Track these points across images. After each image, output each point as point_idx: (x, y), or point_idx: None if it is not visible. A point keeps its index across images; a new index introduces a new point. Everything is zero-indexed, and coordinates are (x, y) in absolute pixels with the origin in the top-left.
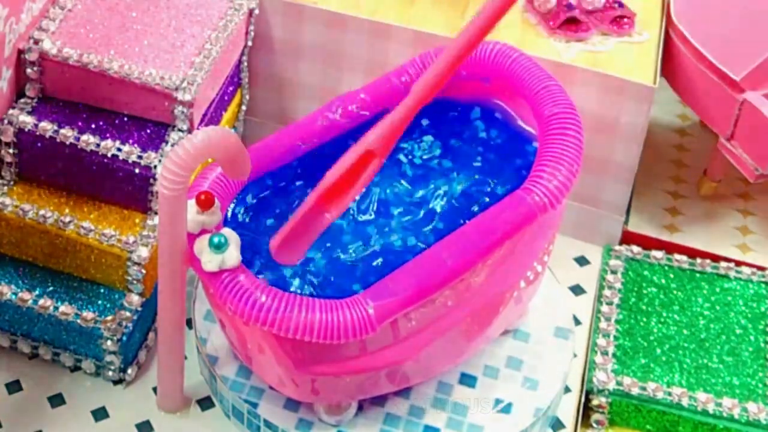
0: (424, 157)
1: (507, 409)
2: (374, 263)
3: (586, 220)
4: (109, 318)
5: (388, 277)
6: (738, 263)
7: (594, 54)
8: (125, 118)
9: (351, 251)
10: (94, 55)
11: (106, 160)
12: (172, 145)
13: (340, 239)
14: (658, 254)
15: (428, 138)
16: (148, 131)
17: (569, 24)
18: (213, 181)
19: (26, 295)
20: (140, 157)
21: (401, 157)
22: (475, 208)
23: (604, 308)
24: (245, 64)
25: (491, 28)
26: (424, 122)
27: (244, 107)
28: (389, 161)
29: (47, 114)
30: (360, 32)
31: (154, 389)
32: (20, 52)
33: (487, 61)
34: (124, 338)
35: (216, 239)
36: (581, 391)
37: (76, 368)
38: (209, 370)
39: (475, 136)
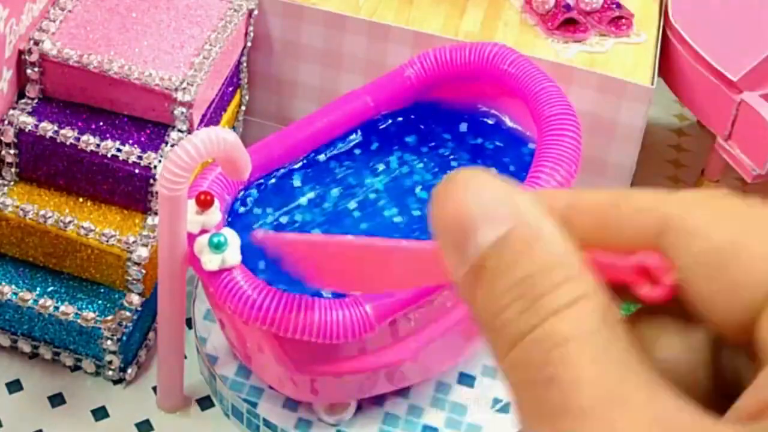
0: (418, 163)
1: (505, 408)
2: None
3: None
4: (110, 318)
5: None
6: None
7: (592, 55)
8: (125, 119)
9: None
10: (94, 55)
11: (106, 161)
12: (172, 146)
13: None
14: None
15: (424, 146)
16: (148, 132)
17: (567, 25)
18: (213, 180)
19: (27, 295)
20: (140, 157)
21: (404, 168)
22: None
23: None
24: (244, 64)
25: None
26: (421, 127)
27: (243, 107)
28: (390, 179)
29: (48, 114)
30: (359, 33)
31: (154, 389)
32: (20, 52)
33: (484, 62)
34: (124, 338)
35: (216, 239)
36: None
37: (76, 368)
38: (209, 370)
39: (472, 138)
